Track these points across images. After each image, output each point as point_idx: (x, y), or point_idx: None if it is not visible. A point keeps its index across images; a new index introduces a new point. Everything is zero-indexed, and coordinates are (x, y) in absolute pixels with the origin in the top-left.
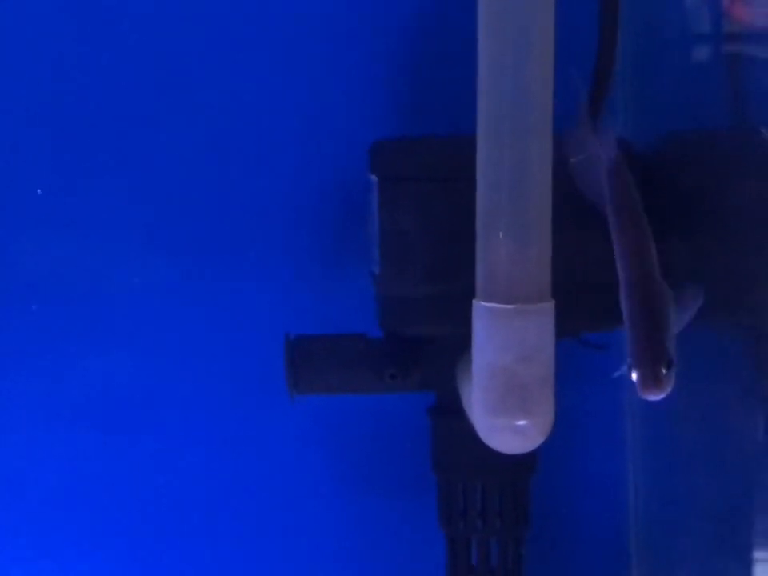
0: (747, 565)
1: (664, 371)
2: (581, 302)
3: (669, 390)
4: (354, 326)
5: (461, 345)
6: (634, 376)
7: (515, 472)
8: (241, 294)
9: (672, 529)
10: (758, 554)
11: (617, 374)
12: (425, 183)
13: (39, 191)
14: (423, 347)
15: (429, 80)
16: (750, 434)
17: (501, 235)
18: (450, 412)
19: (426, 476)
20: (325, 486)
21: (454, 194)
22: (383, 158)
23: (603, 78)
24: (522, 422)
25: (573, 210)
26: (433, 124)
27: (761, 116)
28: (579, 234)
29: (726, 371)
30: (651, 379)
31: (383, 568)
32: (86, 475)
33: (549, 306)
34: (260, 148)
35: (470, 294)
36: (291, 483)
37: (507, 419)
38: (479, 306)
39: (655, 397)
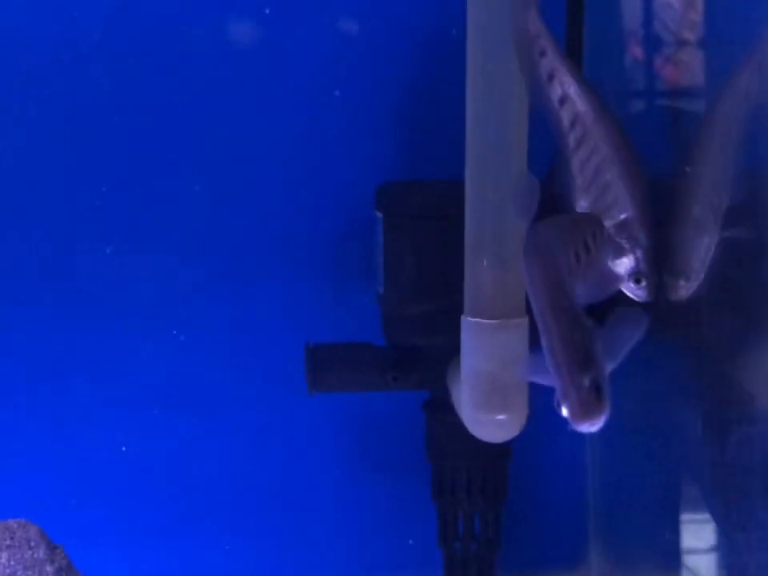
0: (677, 529)
1: (593, 397)
2: None
3: (603, 417)
4: (362, 335)
5: (450, 352)
6: (564, 411)
7: (495, 457)
8: (270, 311)
9: (622, 501)
10: (685, 518)
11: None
12: (421, 220)
13: (108, 251)
14: (419, 354)
15: (428, 132)
16: (687, 427)
17: (485, 263)
18: (441, 407)
19: (421, 460)
20: (336, 467)
21: (445, 230)
22: (387, 198)
23: None
24: (502, 417)
25: None
26: (431, 169)
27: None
28: None
29: (667, 376)
30: (580, 412)
31: (385, 535)
32: (138, 450)
33: (524, 321)
34: (286, 189)
35: (457, 310)
36: (308, 465)
37: (490, 414)
38: (467, 321)
39: (589, 427)
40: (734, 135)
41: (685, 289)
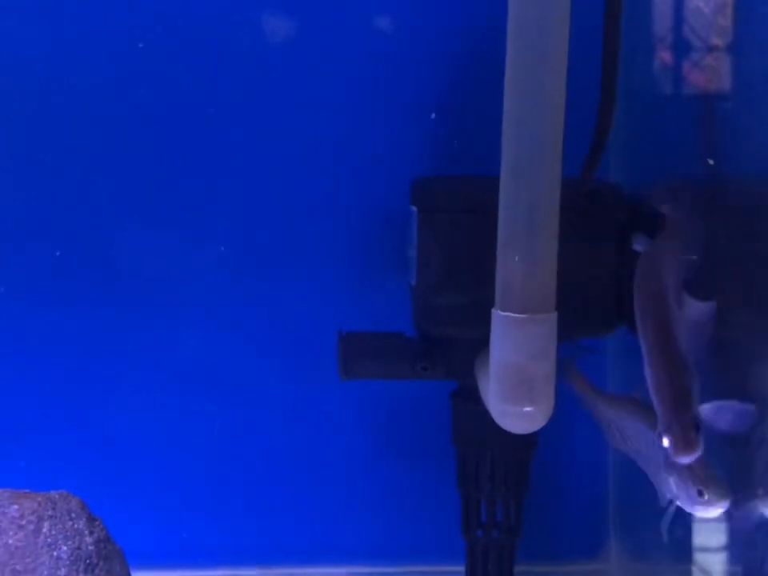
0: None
1: (693, 435)
2: (577, 313)
3: (698, 452)
4: (393, 326)
5: (478, 344)
6: (665, 442)
7: (519, 447)
8: (305, 299)
9: (642, 494)
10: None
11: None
12: (455, 215)
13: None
14: (449, 345)
15: (462, 128)
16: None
17: (516, 258)
18: (468, 397)
19: (446, 447)
20: (363, 452)
21: (478, 224)
22: (422, 192)
23: (602, 137)
24: (528, 409)
25: (574, 239)
26: (464, 165)
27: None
28: (579, 259)
29: None
30: (683, 445)
31: (410, 519)
32: (174, 430)
33: (553, 316)
34: (323, 182)
35: (487, 304)
36: (335, 449)
37: (517, 406)
38: (497, 314)
39: (687, 459)
40: None
41: None
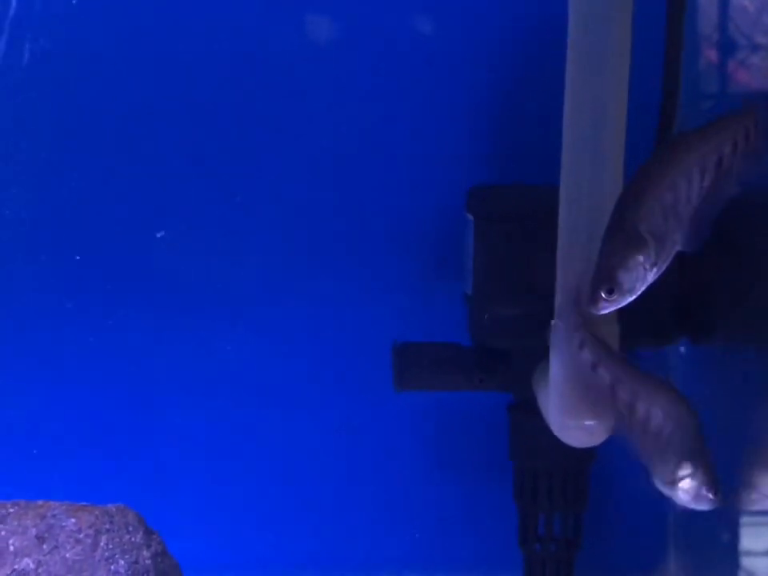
0: (759, 538)
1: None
2: (638, 324)
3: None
4: (448, 336)
5: (537, 356)
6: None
7: (577, 460)
8: (360, 309)
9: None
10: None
11: None
12: (513, 224)
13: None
14: (506, 356)
15: (521, 134)
16: None
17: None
18: (525, 410)
19: (502, 459)
20: (419, 464)
21: (536, 233)
22: (479, 200)
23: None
24: (589, 423)
25: None
26: (523, 172)
27: None
28: None
29: (751, 385)
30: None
31: (466, 532)
32: (228, 442)
33: (615, 327)
34: (376, 190)
35: (546, 314)
36: (391, 461)
37: (578, 420)
38: (557, 325)
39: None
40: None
41: None
